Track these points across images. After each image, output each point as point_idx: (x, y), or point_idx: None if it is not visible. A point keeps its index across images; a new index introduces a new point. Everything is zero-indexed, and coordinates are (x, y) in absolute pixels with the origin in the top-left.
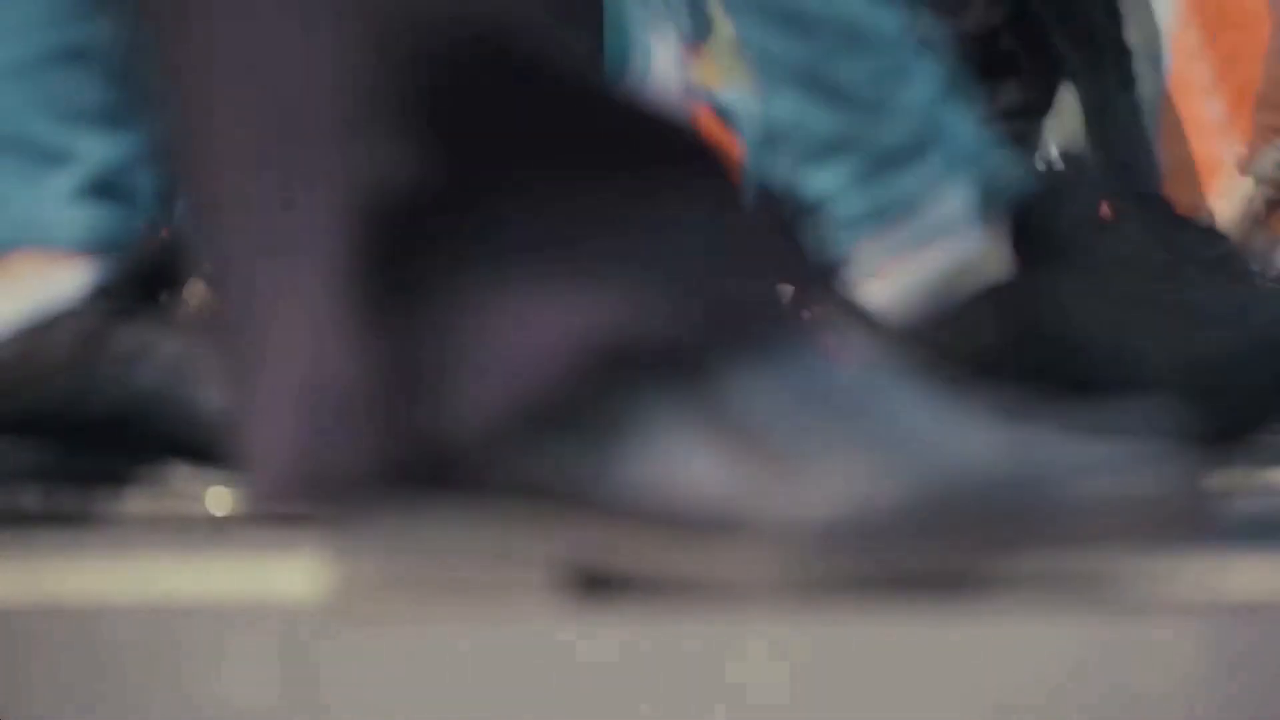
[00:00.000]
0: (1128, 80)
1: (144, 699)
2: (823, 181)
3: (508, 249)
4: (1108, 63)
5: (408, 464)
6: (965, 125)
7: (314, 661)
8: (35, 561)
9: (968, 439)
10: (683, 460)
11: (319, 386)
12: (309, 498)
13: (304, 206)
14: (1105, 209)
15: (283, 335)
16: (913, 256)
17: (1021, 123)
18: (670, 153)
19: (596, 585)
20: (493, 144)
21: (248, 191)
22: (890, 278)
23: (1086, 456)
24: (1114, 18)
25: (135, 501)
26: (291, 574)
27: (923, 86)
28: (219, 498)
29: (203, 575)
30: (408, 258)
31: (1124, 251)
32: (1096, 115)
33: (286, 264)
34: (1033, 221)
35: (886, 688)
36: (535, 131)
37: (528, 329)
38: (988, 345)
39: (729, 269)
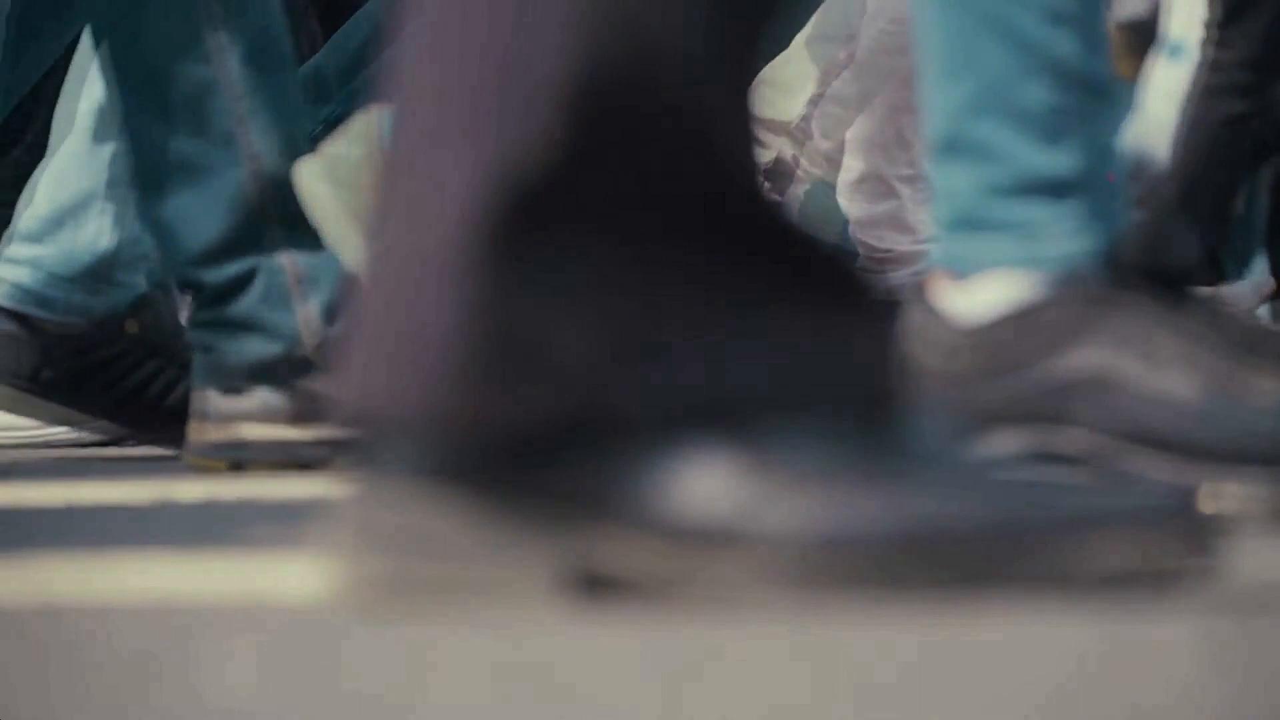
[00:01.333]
0: None
1: (144, 699)
2: (952, 176)
3: (609, 264)
4: None
5: (456, 427)
6: (1114, 177)
7: (314, 661)
8: (35, 561)
9: (972, 476)
10: (696, 475)
11: (410, 325)
12: (358, 421)
13: (455, 156)
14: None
15: (401, 269)
16: (1007, 276)
17: None
18: (784, 242)
19: (596, 588)
20: (633, 163)
21: (418, 129)
22: (976, 288)
23: (1084, 498)
24: None
25: (134, 492)
26: (291, 574)
27: (1101, 134)
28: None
29: (203, 575)
30: (526, 236)
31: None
32: None
33: (424, 209)
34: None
35: (887, 689)
36: (672, 167)
37: (596, 354)
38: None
39: (802, 333)
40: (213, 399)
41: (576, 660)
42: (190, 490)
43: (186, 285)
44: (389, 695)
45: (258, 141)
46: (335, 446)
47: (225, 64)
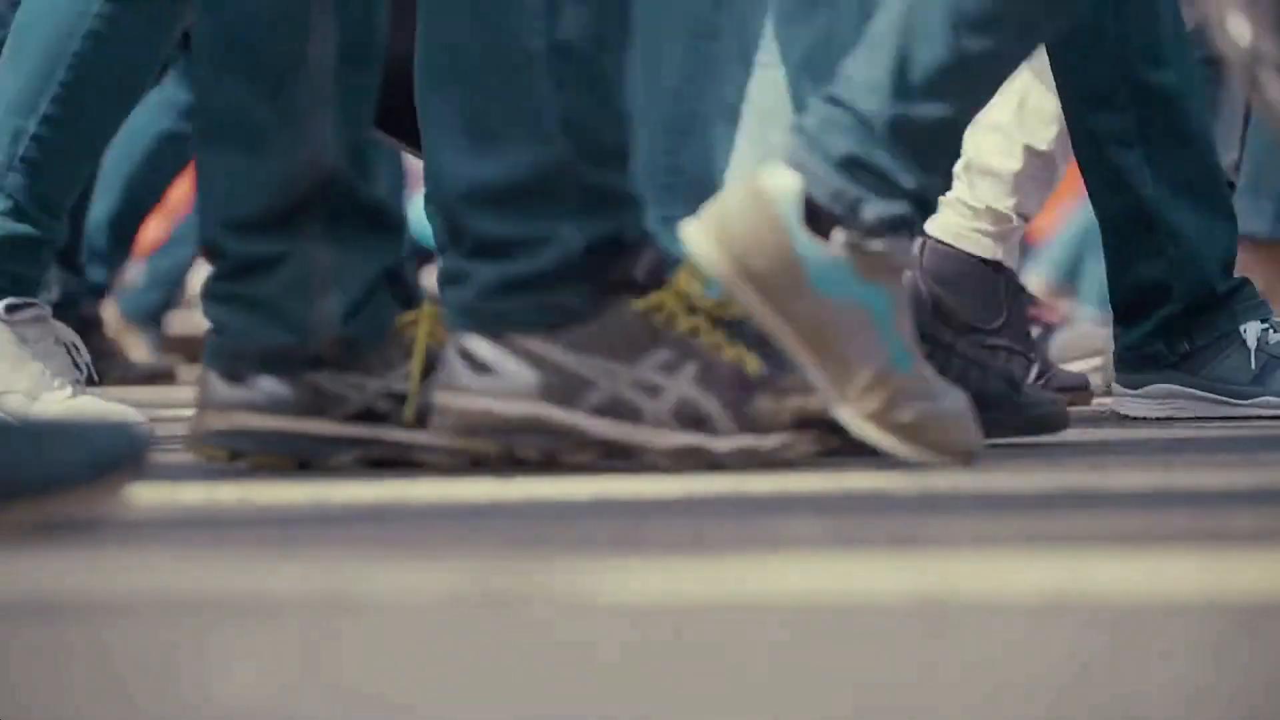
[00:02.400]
0: None
1: (144, 698)
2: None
3: None
4: None
5: None
6: None
7: (313, 661)
8: (34, 561)
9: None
10: None
11: None
12: None
13: None
14: None
15: None
16: None
17: None
18: None
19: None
20: None
21: None
22: None
23: None
24: None
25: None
26: (292, 575)
27: None
28: None
29: (202, 575)
30: None
31: None
32: None
33: None
34: None
35: (887, 688)
36: None
37: None
38: None
39: None
40: (215, 383)
41: (574, 660)
42: (193, 492)
43: (212, 250)
44: (388, 695)
45: (327, 130)
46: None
47: (322, 46)
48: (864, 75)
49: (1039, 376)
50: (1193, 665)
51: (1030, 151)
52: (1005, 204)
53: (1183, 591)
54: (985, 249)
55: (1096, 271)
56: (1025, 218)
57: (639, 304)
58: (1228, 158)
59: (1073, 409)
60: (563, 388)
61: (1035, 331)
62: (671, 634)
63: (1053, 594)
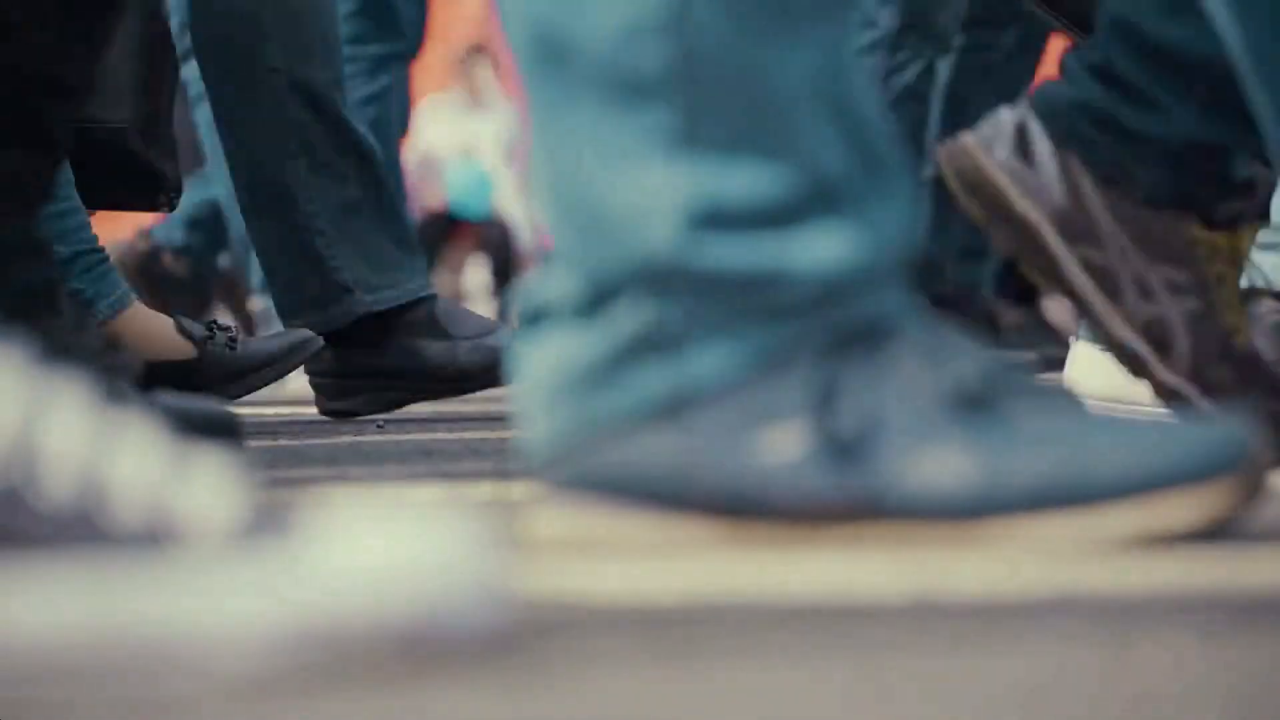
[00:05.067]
0: None
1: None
2: None
3: None
4: None
5: None
6: None
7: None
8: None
9: None
10: None
11: None
12: None
13: None
14: None
15: None
16: None
17: None
18: None
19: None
20: None
21: None
22: None
23: None
24: None
25: None
26: None
27: None
28: None
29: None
30: None
31: None
32: None
33: None
34: None
35: (887, 688)
36: None
37: None
38: None
39: None
40: None
41: (567, 657)
42: None
43: None
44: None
45: None
46: None
47: None
48: None
49: None
50: (1193, 665)
51: None
52: None
53: (1181, 591)
54: None
55: None
56: None
57: (1198, 232)
58: None
59: None
60: (1072, 225)
61: None
62: (667, 632)
63: (1051, 594)
